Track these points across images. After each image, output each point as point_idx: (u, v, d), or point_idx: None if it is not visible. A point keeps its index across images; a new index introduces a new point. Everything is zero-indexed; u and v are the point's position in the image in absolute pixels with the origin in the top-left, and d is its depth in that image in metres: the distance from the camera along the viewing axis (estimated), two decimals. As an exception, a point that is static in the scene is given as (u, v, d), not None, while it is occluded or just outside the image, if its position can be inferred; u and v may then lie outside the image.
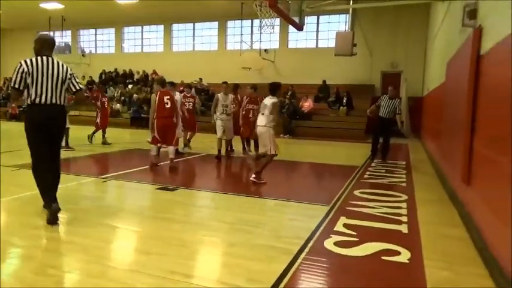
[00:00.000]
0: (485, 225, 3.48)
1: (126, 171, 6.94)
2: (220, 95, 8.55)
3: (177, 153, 8.76)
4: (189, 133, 9.41)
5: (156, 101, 6.95)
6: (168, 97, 7.05)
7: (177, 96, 8.57)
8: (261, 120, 6.13)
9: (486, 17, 4.24)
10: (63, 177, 6.15)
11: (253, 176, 6.20)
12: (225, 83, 8.76)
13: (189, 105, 9.25)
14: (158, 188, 5.57)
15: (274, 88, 6.17)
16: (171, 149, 7.25)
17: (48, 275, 2.76)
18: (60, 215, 3.90)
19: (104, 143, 10.38)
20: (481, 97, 4.09)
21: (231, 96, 8.70)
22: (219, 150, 8.38)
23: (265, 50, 19.31)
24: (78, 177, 6.22)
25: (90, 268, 2.91)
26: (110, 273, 2.82)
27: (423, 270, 2.99)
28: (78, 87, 4.18)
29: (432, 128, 10.00)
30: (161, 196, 5.23)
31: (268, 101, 6.08)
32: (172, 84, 8.34)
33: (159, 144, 7.23)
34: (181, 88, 11.36)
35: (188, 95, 9.46)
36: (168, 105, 7.00)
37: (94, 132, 10.53)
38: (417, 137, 15.38)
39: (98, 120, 10.46)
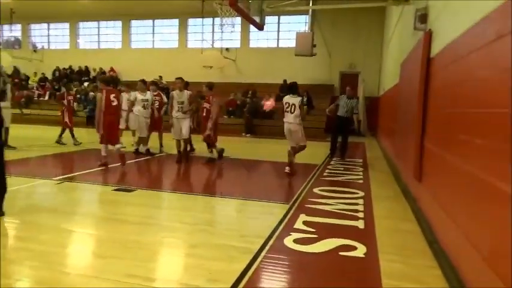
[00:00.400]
0: (434, 219, 3.68)
1: (81, 172, 6.68)
2: (175, 92, 7.91)
3: (148, 153, 8.54)
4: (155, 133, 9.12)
5: (103, 100, 6.81)
6: (114, 95, 7.02)
7: (148, 95, 8.70)
8: (292, 118, 6.75)
9: (436, 21, 4.46)
10: (15, 179, 5.86)
11: (288, 168, 6.85)
12: (179, 78, 7.90)
13: (156, 104, 9.05)
14: (115, 190, 5.41)
15: (293, 87, 6.92)
16: (117, 146, 7.17)
17: (-5, 284, 2.61)
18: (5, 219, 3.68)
19: (76, 143, 10.15)
20: (431, 98, 4.31)
21: (186, 92, 7.98)
22: (179, 151, 8.00)
23: (227, 49, 19.24)
24: (31, 179, 5.91)
25: (42, 275, 2.78)
26: (63, 280, 2.70)
27: (378, 263, 3.11)
28: None
29: (387, 127, 10.41)
30: (118, 198, 5.08)
31: (294, 99, 6.71)
32: (154, 83, 9.29)
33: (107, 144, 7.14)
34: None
35: (155, 93, 9.16)
36: (115, 103, 6.98)
37: (62, 133, 10.17)
38: (373, 136, 15.95)
39: (66, 119, 10.14)
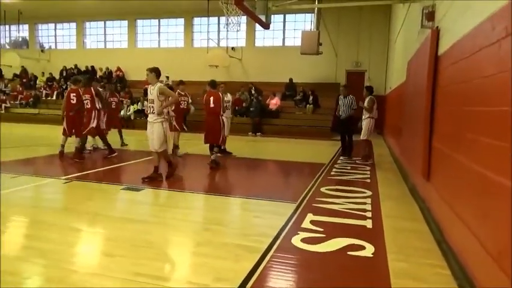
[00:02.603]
0: (443, 218, 3.65)
1: (89, 171, 6.72)
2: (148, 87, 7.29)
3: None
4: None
5: (65, 98, 8.12)
6: (75, 94, 7.99)
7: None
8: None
9: (443, 19, 4.42)
10: (24, 178, 5.92)
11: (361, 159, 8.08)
12: (149, 69, 5.93)
13: (184, 104, 8.77)
14: (123, 189, 5.43)
15: (369, 88, 8.53)
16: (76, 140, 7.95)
17: (6, 282, 2.63)
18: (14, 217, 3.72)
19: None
20: (439, 96, 4.27)
21: (158, 86, 7.02)
22: (155, 168, 6.14)
23: (232, 48, 19.25)
24: (39, 178, 5.96)
25: (51, 273, 2.80)
26: (71, 278, 2.72)
27: (387, 263, 3.09)
28: None
29: (394, 125, 10.35)
30: (125, 196, 5.11)
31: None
32: (182, 82, 9.31)
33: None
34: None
35: (182, 93, 8.84)
36: (74, 102, 7.98)
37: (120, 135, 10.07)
38: (380, 134, 15.86)
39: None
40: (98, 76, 21.29)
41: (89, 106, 7.85)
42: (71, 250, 3.34)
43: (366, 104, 8.50)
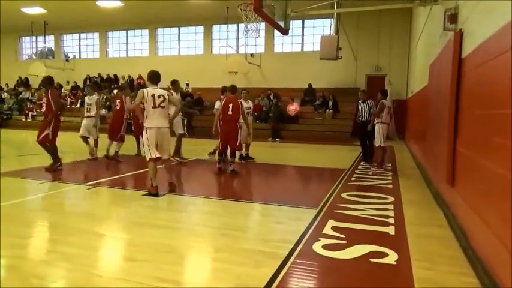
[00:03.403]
0: (468, 225, 3.54)
1: (112, 178, 6.85)
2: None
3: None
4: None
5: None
6: (119, 101, 8.57)
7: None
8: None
9: (467, 21, 4.33)
10: (49, 184, 6.09)
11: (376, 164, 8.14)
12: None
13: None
14: (144, 194, 5.50)
15: (383, 91, 8.45)
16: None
17: (33, 285, 2.70)
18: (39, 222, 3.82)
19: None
20: (463, 99, 4.17)
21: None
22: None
23: (251, 54, 19.36)
24: (64, 184, 6.12)
25: (75, 277, 2.86)
26: (95, 282, 2.77)
27: (411, 271, 3.01)
28: None
29: (416, 130, 10.16)
30: (147, 202, 5.17)
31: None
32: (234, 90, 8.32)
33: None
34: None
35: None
36: (118, 108, 8.70)
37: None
38: (402, 139, 15.60)
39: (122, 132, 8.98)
40: (120, 84, 21.79)
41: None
42: (95, 254, 3.40)
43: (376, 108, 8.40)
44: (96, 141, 8.88)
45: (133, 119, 9.59)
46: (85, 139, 8.81)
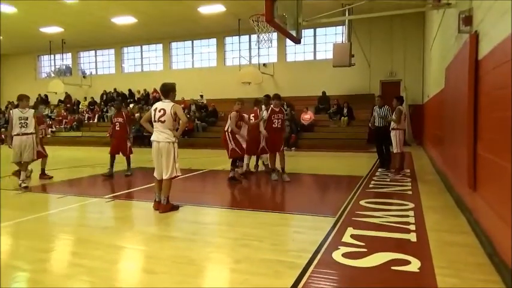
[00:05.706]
0: (493, 230, 3.44)
1: (129, 191, 6.93)
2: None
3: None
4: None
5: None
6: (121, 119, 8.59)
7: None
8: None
9: (482, 22, 4.27)
10: (70, 198, 6.20)
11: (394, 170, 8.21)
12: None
13: (278, 123, 7.87)
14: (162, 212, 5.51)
15: (399, 98, 8.60)
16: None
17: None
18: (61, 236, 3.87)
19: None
20: (482, 101, 4.10)
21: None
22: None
23: (264, 64, 19.46)
24: (84, 197, 6.21)
25: (97, 290, 2.88)
26: (117, 295, 2.78)
27: (435, 279, 2.94)
28: None
29: (434, 134, 9.99)
30: (165, 214, 5.19)
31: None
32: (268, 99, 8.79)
33: None
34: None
35: (276, 109, 7.97)
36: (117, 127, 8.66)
37: None
38: (419, 145, 15.35)
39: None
40: (136, 98, 22.16)
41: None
42: (116, 267, 3.43)
43: (393, 115, 8.28)
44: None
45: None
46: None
